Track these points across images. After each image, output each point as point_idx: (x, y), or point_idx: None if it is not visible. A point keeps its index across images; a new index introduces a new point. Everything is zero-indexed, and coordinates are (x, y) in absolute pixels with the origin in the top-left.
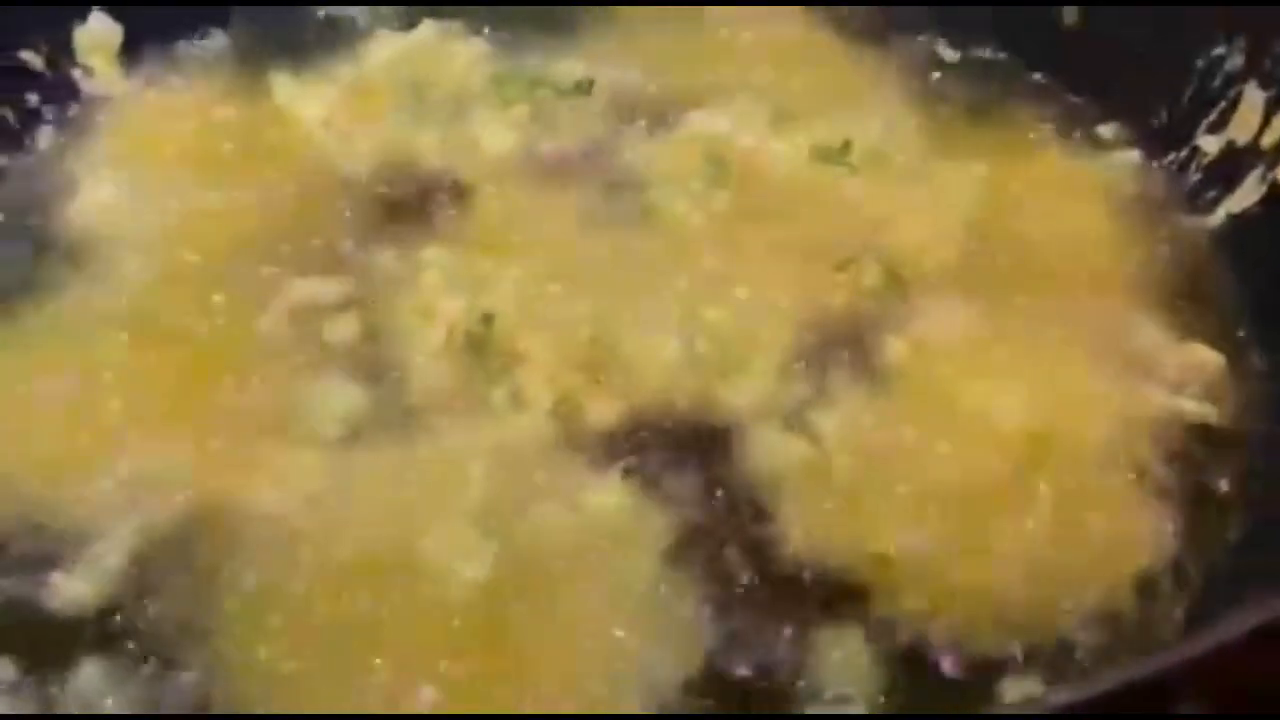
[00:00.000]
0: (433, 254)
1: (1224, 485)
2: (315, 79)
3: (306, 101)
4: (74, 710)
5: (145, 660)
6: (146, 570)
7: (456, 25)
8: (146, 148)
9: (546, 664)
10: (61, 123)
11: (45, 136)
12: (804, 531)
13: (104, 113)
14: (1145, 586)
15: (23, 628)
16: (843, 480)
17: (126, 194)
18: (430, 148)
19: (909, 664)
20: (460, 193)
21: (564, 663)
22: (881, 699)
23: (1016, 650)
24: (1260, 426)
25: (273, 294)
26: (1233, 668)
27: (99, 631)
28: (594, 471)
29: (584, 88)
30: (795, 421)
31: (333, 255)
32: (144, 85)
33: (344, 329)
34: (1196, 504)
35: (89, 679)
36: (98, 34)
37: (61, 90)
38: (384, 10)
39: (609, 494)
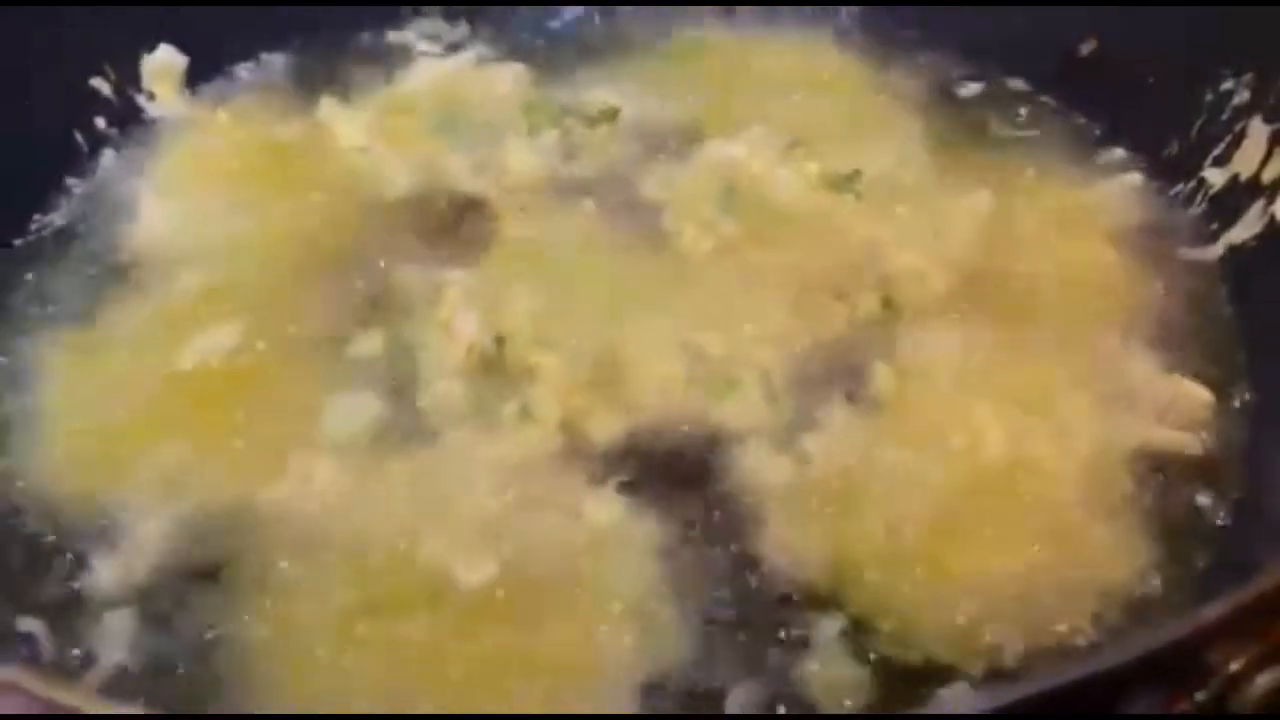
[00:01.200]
0: (455, 274)
1: (1204, 516)
2: (360, 102)
3: (347, 125)
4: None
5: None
6: (180, 559)
7: (495, 52)
8: (200, 170)
9: (539, 662)
10: (123, 145)
11: (108, 158)
12: (786, 547)
13: (163, 136)
14: (1121, 610)
15: (60, 608)
16: (826, 499)
17: (179, 215)
18: (461, 171)
19: (885, 677)
20: (485, 215)
21: (554, 661)
22: (848, 703)
23: (980, 669)
24: (1244, 459)
25: (306, 310)
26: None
27: (135, 615)
28: (593, 485)
29: (610, 115)
30: (784, 442)
31: (364, 274)
32: (202, 109)
33: (368, 344)
34: (1175, 534)
35: (119, 657)
36: (164, 63)
37: (126, 114)
38: (432, 32)
39: (605, 507)
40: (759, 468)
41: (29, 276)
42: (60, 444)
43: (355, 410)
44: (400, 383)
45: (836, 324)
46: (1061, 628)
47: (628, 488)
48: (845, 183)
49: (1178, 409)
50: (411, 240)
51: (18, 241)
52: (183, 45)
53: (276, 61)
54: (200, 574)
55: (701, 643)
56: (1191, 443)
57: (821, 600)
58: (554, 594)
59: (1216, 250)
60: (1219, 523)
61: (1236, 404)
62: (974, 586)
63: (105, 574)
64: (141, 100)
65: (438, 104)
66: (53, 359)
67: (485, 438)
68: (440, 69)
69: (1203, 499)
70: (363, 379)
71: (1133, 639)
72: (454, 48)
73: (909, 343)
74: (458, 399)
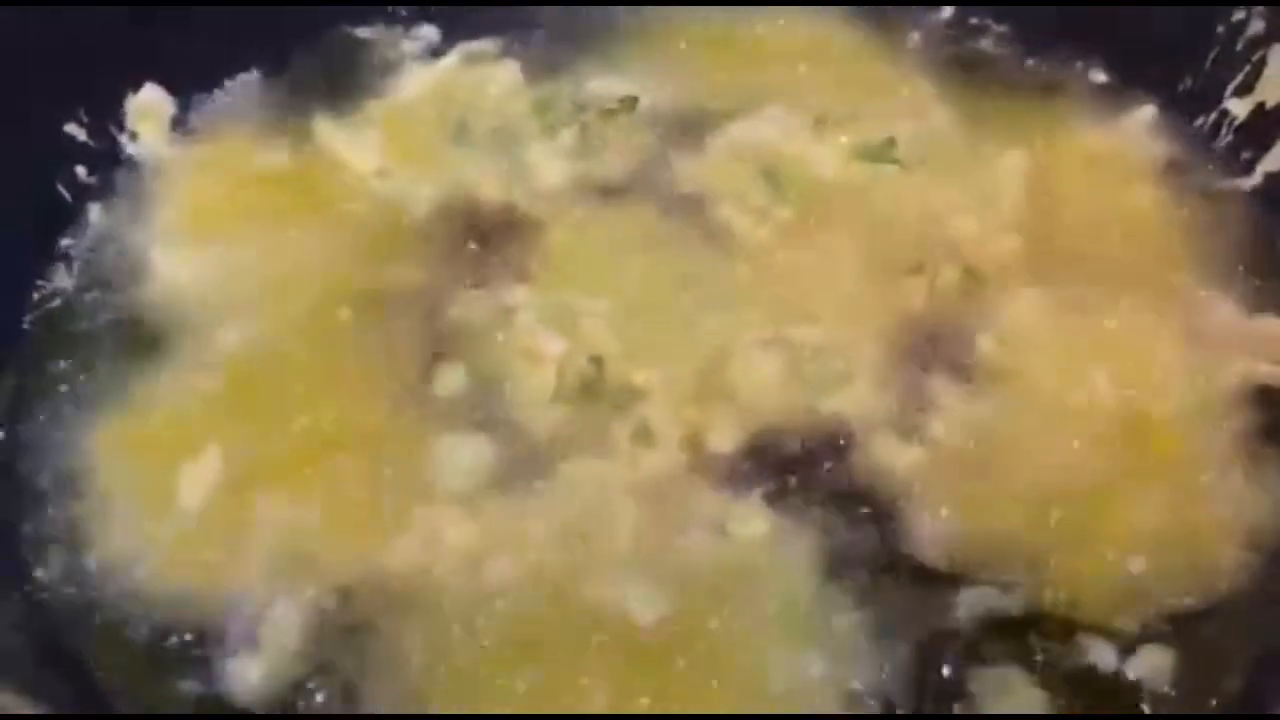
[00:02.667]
0: (522, 295)
1: None
2: (357, 121)
3: (354, 147)
4: None
5: None
6: (319, 645)
7: (485, 49)
8: (205, 214)
9: (720, 692)
10: (110, 194)
11: (96, 212)
12: (937, 531)
13: (152, 179)
14: (1267, 550)
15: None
16: (963, 478)
17: (195, 267)
18: (487, 183)
19: (1049, 642)
20: (526, 226)
21: (736, 689)
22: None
23: (1152, 622)
24: None
25: (370, 352)
26: None
27: (286, 710)
28: (736, 500)
29: (629, 106)
30: (908, 428)
31: (417, 306)
32: (189, 146)
33: (452, 381)
34: None
35: None
36: (149, 103)
37: (106, 158)
38: (409, 36)
39: (754, 521)
40: (891, 458)
41: (51, 364)
42: (158, 538)
43: (466, 454)
44: (498, 417)
45: (918, 299)
46: (1213, 575)
47: (768, 498)
48: (882, 152)
49: (1266, 343)
50: (455, 262)
51: (27, 321)
52: (151, 76)
53: (250, 85)
54: (342, 658)
55: (877, 647)
56: None
57: (982, 576)
58: (718, 620)
59: (1254, 179)
60: None
61: None
62: (1123, 544)
63: (244, 673)
64: (123, 141)
65: (443, 113)
66: (109, 450)
67: (604, 464)
68: (431, 75)
69: None
70: (459, 419)
71: None
72: (436, 52)
73: (996, 309)
74: (565, 426)
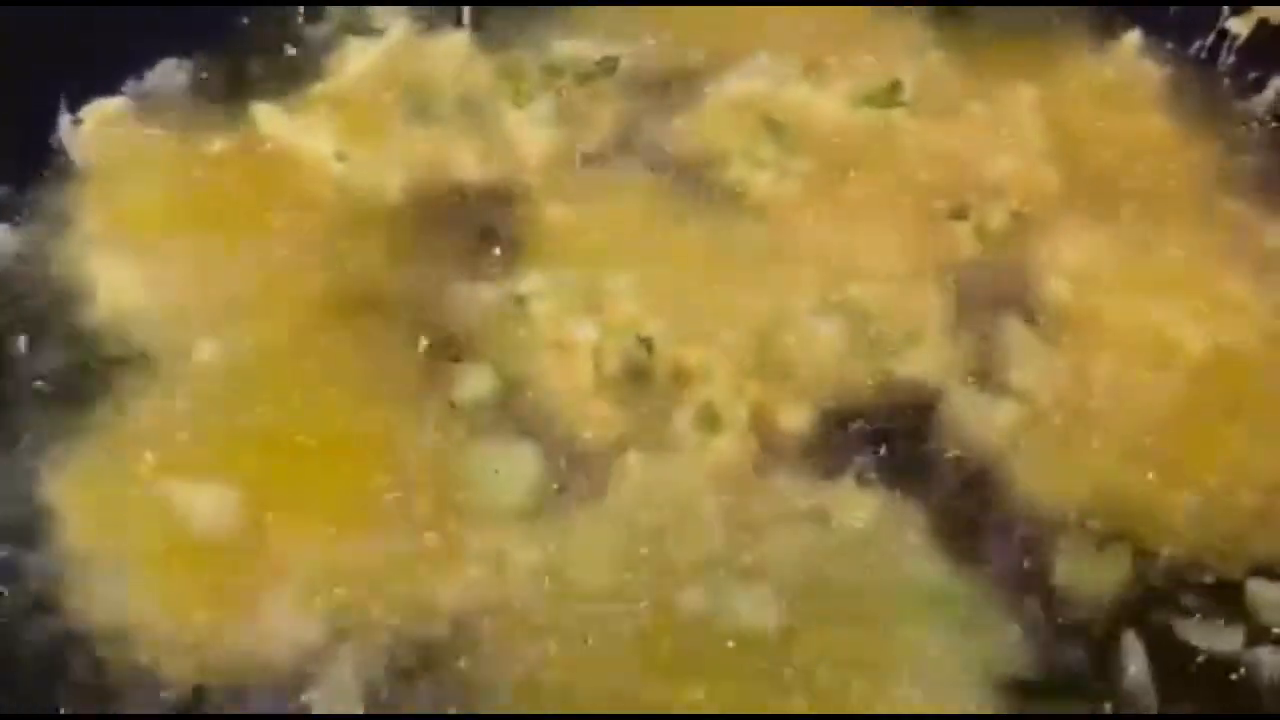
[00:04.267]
0: (535, 280)
1: None
2: (301, 105)
3: (303, 132)
4: None
5: None
6: (390, 691)
7: (428, 19)
8: (148, 218)
9: (856, 689)
10: (26, 204)
11: (20, 231)
12: (1047, 488)
13: (77, 187)
14: None
15: None
16: (1060, 429)
17: (149, 280)
18: (463, 160)
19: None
20: (516, 204)
21: (873, 683)
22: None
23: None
24: None
25: (371, 359)
26: None
27: None
28: (830, 483)
29: (608, 67)
30: (991, 384)
31: (414, 302)
32: (107, 144)
33: (476, 384)
34: None
35: None
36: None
37: (20, 168)
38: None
39: (855, 503)
40: (980, 415)
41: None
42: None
43: (512, 464)
44: (537, 420)
45: (969, 244)
46: None
47: (860, 477)
48: (887, 97)
49: None
50: (446, 250)
51: None
52: (63, 68)
53: (174, 75)
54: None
55: (1014, 621)
56: None
57: (1098, 534)
58: (843, 613)
59: (1268, 97)
60: None
61: None
62: (1229, 487)
63: None
64: (38, 146)
65: (396, 88)
66: (88, 495)
67: (667, 456)
68: (374, 50)
69: None
70: (494, 427)
71: None
72: (374, 28)
73: (1054, 248)
74: (616, 419)
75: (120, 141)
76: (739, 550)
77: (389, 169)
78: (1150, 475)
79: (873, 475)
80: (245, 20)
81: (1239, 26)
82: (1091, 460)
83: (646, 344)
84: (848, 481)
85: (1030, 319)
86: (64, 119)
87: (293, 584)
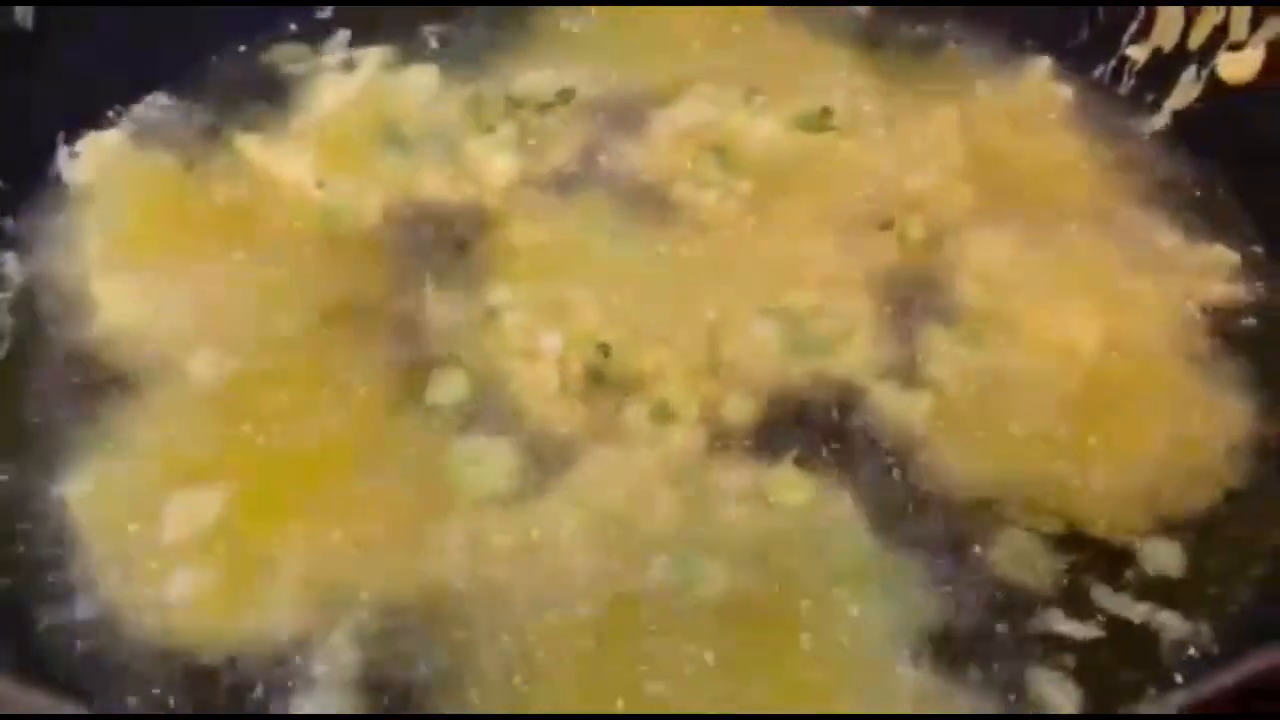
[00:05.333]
0: (503, 293)
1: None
2: (282, 136)
3: (285, 161)
4: None
5: None
6: (384, 669)
7: (399, 56)
8: (143, 240)
9: (803, 641)
10: (37, 235)
11: (27, 259)
12: (963, 469)
13: (75, 211)
14: (1252, 456)
15: None
16: (972, 417)
17: (152, 300)
18: (435, 185)
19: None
20: (486, 226)
21: (814, 635)
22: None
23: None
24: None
25: (358, 371)
26: None
27: None
28: (770, 468)
29: (565, 98)
30: (911, 376)
31: (396, 317)
32: (103, 171)
33: (451, 388)
34: (1272, 377)
35: None
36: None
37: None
38: (320, 49)
39: (794, 487)
40: (902, 406)
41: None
42: (172, 588)
43: (488, 458)
44: (509, 418)
45: (891, 253)
46: (1212, 483)
47: (799, 462)
48: (819, 121)
49: (1211, 267)
50: (422, 267)
51: None
52: (53, 98)
53: (162, 109)
54: (412, 669)
55: (948, 583)
56: (1244, 292)
57: (1007, 504)
58: (782, 586)
59: (1163, 118)
60: None
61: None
62: (1126, 467)
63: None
64: (35, 175)
65: (370, 120)
66: (96, 502)
67: (628, 449)
68: (349, 84)
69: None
70: (469, 425)
71: None
72: (349, 64)
73: (966, 255)
74: (580, 416)
75: (116, 170)
76: (693, 528)
77: (366, 194)
78: (1057, 454)
79: (809, 460)
80: (229, 55)
81: (1137, 54)
82: (1003, 443)
83: (605, 349)
84: (787, 466)
85: (947, 319)
86: (62, 151)
87: (287, 573)
